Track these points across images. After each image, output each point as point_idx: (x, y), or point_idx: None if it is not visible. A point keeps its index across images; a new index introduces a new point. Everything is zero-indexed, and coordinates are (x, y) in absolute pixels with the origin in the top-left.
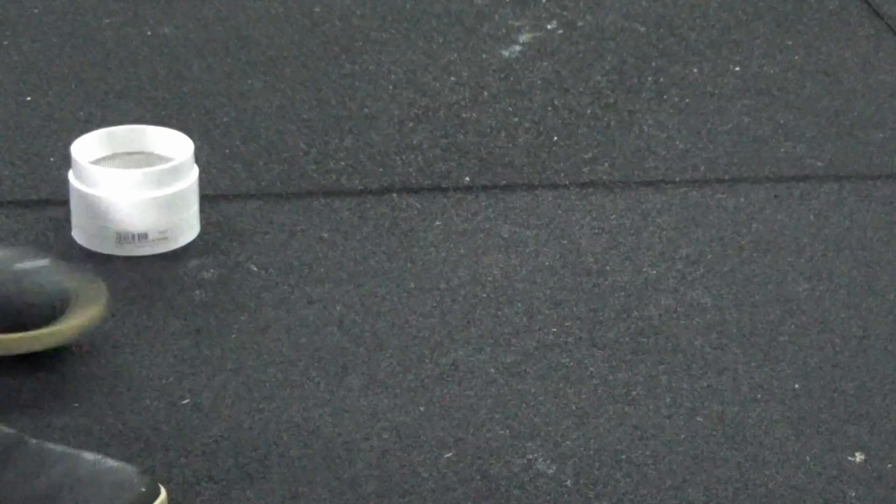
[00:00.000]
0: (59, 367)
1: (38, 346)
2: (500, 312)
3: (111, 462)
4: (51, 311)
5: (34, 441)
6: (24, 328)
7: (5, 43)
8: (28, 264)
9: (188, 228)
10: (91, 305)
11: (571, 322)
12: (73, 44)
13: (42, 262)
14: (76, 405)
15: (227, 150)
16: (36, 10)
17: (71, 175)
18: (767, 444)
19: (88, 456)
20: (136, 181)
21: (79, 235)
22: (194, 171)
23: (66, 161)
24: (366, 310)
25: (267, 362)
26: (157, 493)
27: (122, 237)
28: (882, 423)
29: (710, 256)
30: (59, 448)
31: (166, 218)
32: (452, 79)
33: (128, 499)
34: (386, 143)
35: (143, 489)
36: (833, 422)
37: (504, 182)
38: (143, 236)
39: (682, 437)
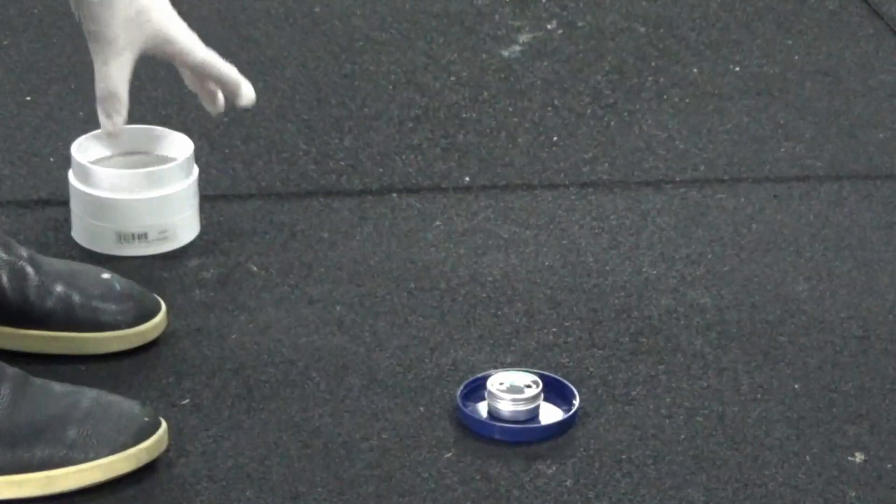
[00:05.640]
0: (59, 368)
1: (126, 346)
2: (500, 312)
3: (113, 396)
4: (142, 314)
5: (39, 379)
6: (116, 328)
7: (5, 43)
8: (106, 275)
9: (188, 228)
10: (161, 311)
11: (571, 322)
12: (73, 44)
13: (108, 275)
14: None
15: (227, 150)
16: (36, 10)
17: (71, 175)
18: (767, 444)
19: (90, 391)
20: (136, 181)
21: (79, 235)
22: (194, 171)
23: (66, 161)
24: (366, 310)
25: (267, 362)
26: (159, 425)
27: (122, 237)
28: (882, 423)
29: (710, 256)
30: (63, 385)
31: (166, 218)
32: (452, 79)
33: (133, 428)
34: (386, 143)
35: (147, 419)
36: (833, 422)
37: (504, 182)
38: (142, 236)
39: (682, 437)
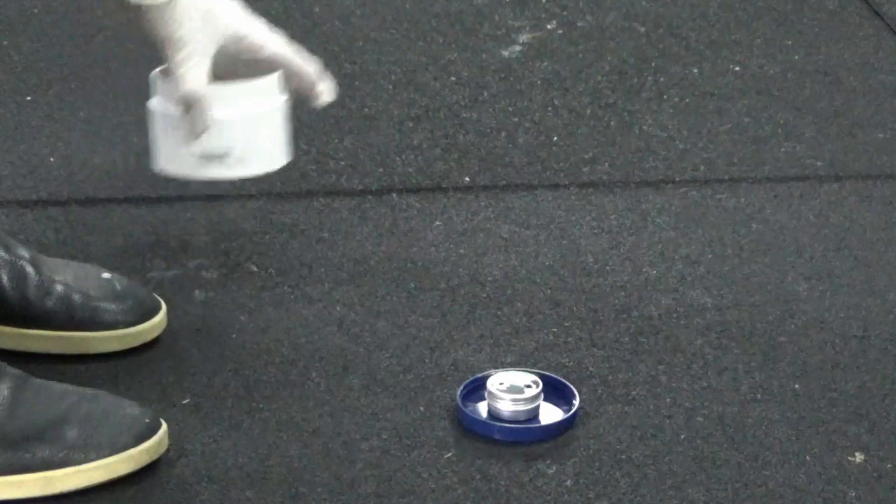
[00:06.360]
0: (59, 368)
1: (126, 346)
2: (500, 312)
3: (114, 396)
4: (142, 313)
5: (39, 380)
6: (116, 327)
7: (5, 43)
8: (107, 275)
9: (272, 154)
10: (161, 311)
11: (571, 322)
12: (73, 44)
13: (109, 275)
14: None
15: None
16: (36, 10)
17: (154, 101)
18: (767, 444)
19: (91, 392)
20: (225, 95)
21: (164, 161)
22: (284, 96)
23: (66, 161)
24: (366, 310)
25: (267, 362)
26: (160, 426)
27: (206, 156)
28: (882, 423)
29: (710, 256)
30: (63, 385)
31: (251, 139)
32: (452, 79)
33: (134, 430)
34: (386, 143)
35: (147, 420)
36: (833, 422)
37: (504, 182)
38: (224, 157)
39: (682, 437)
